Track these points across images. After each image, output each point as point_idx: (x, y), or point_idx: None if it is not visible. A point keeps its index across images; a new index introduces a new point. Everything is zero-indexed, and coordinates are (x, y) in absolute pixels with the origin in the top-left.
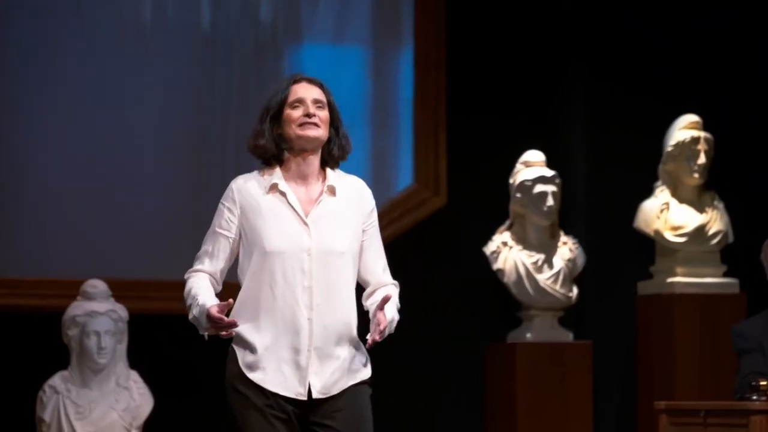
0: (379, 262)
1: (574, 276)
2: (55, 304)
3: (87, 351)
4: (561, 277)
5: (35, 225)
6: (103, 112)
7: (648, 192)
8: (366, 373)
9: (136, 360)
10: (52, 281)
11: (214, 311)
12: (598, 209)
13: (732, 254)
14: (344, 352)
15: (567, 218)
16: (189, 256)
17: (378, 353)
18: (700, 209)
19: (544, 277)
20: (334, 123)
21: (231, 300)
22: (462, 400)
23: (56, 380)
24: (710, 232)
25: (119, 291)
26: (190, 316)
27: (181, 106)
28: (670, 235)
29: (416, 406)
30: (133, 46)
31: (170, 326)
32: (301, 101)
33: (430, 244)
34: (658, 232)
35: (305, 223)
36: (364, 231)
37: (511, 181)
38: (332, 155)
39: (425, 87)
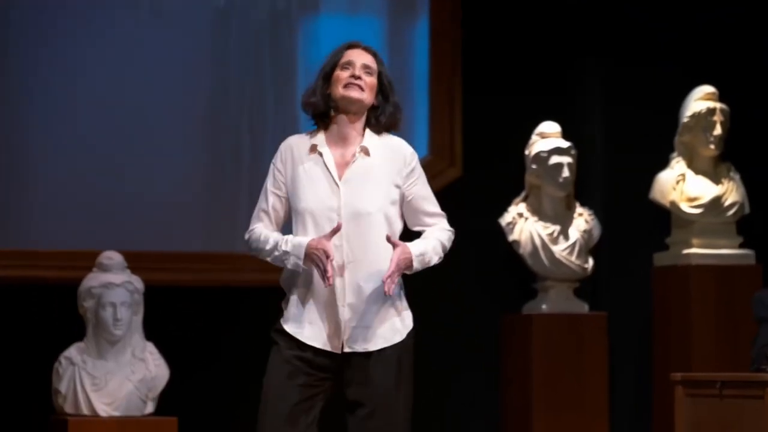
0: (426, 210)
1: (590, 247)
2: (71, 275)
3: (103, 322)
4: (577, 249)
5: (51, 197)
6: (119, 84)
7: (664, 163)
8: (403, 334)
9: (151, 331)
10: (68, 253)
11: (328, 246)
12: (613, 180)
13: (748, 225)
14: (381, 309)
15: (583, 189)
16: (204, 227)
17: None
18: (716, 180)
19: (559, 249)
20: (384, 91)
21: (339, 223)
22: (478, 371)
23: (72, 352)
24: (726, 204)
25: (135, 262)
26: (276, 253)
27: (197, 77)
28: (686, 207)
29: (432, 377)
30: (149, 17)
31: (186, 297)
32: (350, 64)
33: (446, 215)
34: (674, 204)
35: (337, 184)
36: (406, 186)
37: (526, 152)
38: (379, 121)
39: (440, 58)
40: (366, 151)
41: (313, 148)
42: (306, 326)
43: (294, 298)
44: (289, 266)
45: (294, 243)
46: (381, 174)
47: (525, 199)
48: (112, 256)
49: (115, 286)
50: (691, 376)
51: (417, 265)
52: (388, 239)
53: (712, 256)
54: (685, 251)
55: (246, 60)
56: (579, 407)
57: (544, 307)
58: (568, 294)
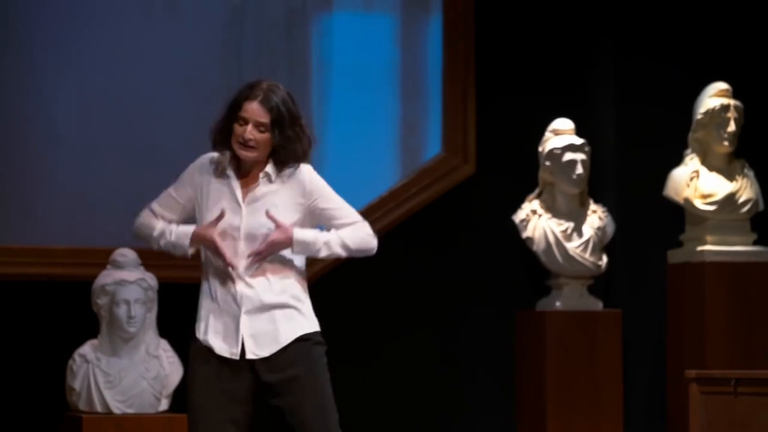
0: (340, 221)
1: (604, 244)
2: (85, 272)
3: (117, 320)
4: (590, 246)
5: (64, 194)
6: (132, 80)
7: (678, 160)
8: (304, 329)
9: (165, 328)
10: (82, 250)
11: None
12: (627, 177)
13: (762, 222)
14: (279, 317)
15: (596, 186)
16: None
17: (406, 321)
18: (730, 177)
19: (573, 246)
20: (282, 127)
21: (223, 211)
22: (491, 369)
23: (86, 349)
24: (740, 200)
25: (149, 259)
26: (162, 242)
27: (210, 74)
28: (699, 204)
29: (445, 374)
30: (162, 14)
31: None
32: (245, 120)
33: (459, 212)
34: (687, 201)
35: (240, 205)
36: (311, 203)
37: (540, 149)
38: (281, 160)
39: (454, 55)
40: (269, 178)
41: (222, 170)
42: (211, 336)
43: (202, 307)
44: (177, 255)
45: (178, 233)
46: (280, 197)
47: (539, 196)
48: (126, 253)
49: (128, 283)
50: (706, 373)
51: (297, 249)
52: (267, 215)
53: (726, 253)
54: (699, 248)
55: (260, 58)
56: (593, 404)
57: (557, 304)
58: (581, 291)
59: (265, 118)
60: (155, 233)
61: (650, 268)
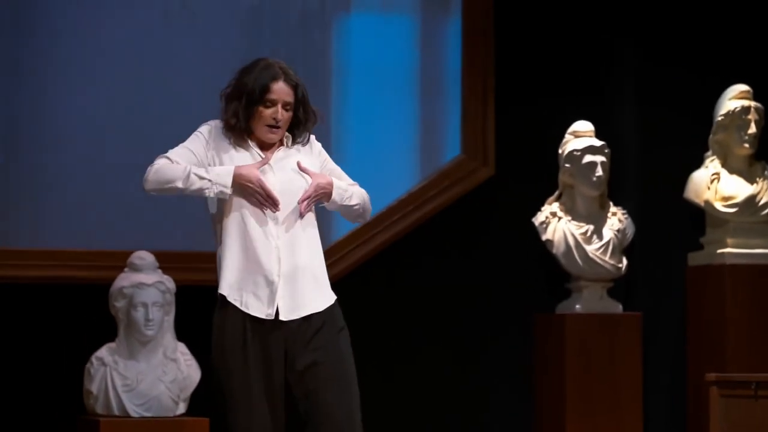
0: (337, 172)
1: (624, 247)
2: (103, 275)
3: (134, 323)
4: (610, 248)
5: (82, 197)
6: (147, 82)
7: (698, 162)
8: (328, 301)
9: (183, 332)
10: (100, 253)
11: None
12: (647, 179)
13: None
14: (310, 281)
15: (616, 189)
16: None
17: (425, 324)
18: (751, 180)
19: (593, 248)
20: (301, 107)
21: (267, 156)
22: (510, 372)
23: (104, 352)
24: (761, 203)
25: (166, 262)
26: (192, 181)
27: (227, 75)
28: (720, 206)
29: (464, 377)
30: (179, 15)
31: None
32: (274, 102)
33: (478, 214)
34: (708, 203)
35: (268, 165)
36: (322, 167)
37: (559, 151)
38: (298, 135)
39: (473, 57)
40: (287, 144)
41: (239, 142)
42: (245, 297)
43: (234, 269)
44: (211, 195)
45: (217, 171)
46: (301, 157)
47: (558, 199)
48: (144, 256)
49: (146, 286)
50: (726, 376)
51: (336, 197)
52: (299, 166)
53: (747, 256)
54: (720, 251)
55: (278, 59)
56: (613, 407)
57: (577, 307)
58: (601, 294)
59: (291, 97)
60: (182, 173)
61: (670, 271)
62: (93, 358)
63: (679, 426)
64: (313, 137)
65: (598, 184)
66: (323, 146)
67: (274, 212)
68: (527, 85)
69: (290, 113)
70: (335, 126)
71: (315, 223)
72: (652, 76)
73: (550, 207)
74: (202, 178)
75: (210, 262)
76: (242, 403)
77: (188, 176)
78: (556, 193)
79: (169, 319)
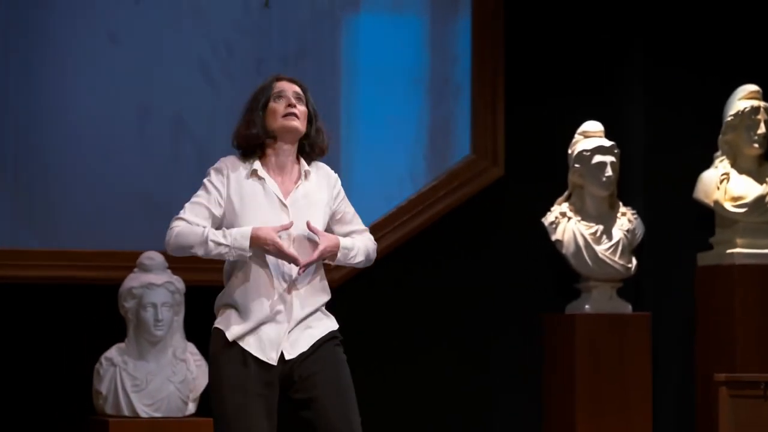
0: (354, 228)
1: (633, 247)
2: (112, 276)
3: (144, 323)
4: (620, 248)
5: (91, 197)
6: (157, 82)
7: (707, 162)
8: (330, 326)
9: (193, 332)
10: (109, 253)
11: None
12: (657, 180)
13: None
14: (315, 320)
15: (626, 189)
16: None
17: (433, 324)
18: (760, 180)
19: (602, 248)
20: (311, 120)
21: (291, 222)
22: (519, 372)
23: (113, 352)
24: None
25: (176, 263)
26: (211, 246)
27: (238, 75)
28: (729, 206)
29: (473, 378)
30: (188, 14)
31: None
32: (282, 95)
33: (488, 214)
34: (717, 203)
35: (285, 205)
36: (335, 206)
37: (569, 151)
38: (312, 149)
39: (483, 57)
40: (307, 175)
41: (254, 173)
42: (251, 341)
43: (240, 313)
44: (230, 259)
45: (235, 235)
46: (319, 197)
47: (568, 199)
48: (153, 257)
49: (156, 286)
50: (735, 377)
51: (340, 257)
52: (309, 226)
53: (757, 256)
54: (729, 251)
55: (287, 59)
56: (622, 407)
57: (587, 307)
58: (611, 294)
59: (299, 90)
60: (201, 240)
61: (680, 271)
62: (102, 359)
63: (688, 426)
64: (333, 172)
65: (607, 184)
66: (333, 147)
67: (299, 273)
68: (537, 85)
69: (305, 107)
70: (344, 126)
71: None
72: (661, 76)
73: (560, 207)
74: (219, 244)
75: (220, 262)
76: (241, 422)
77: (206, 243)
78: (566, 193)
79: (179, 320)
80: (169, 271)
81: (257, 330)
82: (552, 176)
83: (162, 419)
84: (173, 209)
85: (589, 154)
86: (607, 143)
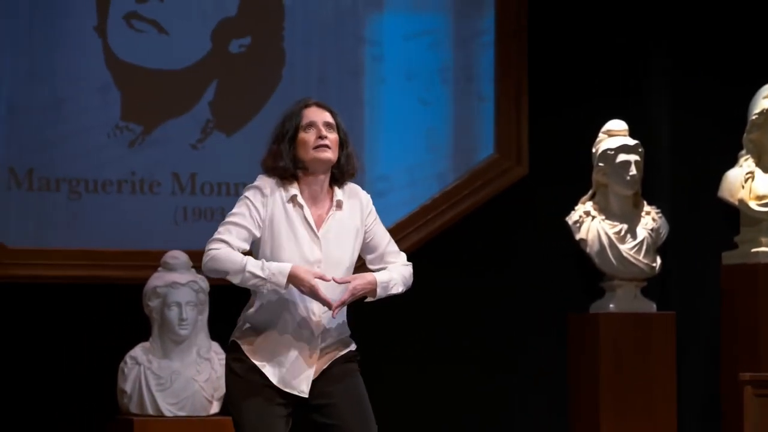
0: (388, 249)
1: (658, 246)
2: (137, 275)
3: (168, 322)
4: (644, 247)
5: (116, 196)
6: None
7: (732, 161)
8: (348, 348)
9: (217, 331)
10: (134, 252)
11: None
12: (681, 178)
13: None
14: (335, 347)
15: (650, 188)
16: None
17: (457, 323)
18: None
19: (627, 247)
20: (342, 143)
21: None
22: (544, 371)
23: (137, 351)
24: None
25: (200, 262)
26: (247, 276)
27: (257, 73)
28: (754, 205)
29: (498, 377)
30: (212, 13)
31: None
32: (313, 124)
33: (512, 213)
34: (742, 202)
35: (317, 237)
36: (367, 228)
37: (593, 150)
38: (343, 174)
39: (506, 56)
40: (339, 206)
41: (293, 199)
42: (276, 369)
43: (266, 337)
44: (263, 291)
45: (273, 270)
46: (350, 224)
47: (592, 198)
48: (178, 256)
49: (180, 285)
50: (760, 376)
51: (381, 292)
52: (336, 281)
53: None
54: (754, 249)
55: (310, 58)
56: (647, 407)
57: (611, 306)
58: (635, 293)
59: (329, 118)
60: (239, 268)
61: (705, 270)
62: (127, 358)
63: (713, 425)
64: (365, 193)
65: (631, 183)
66: (357, 146)
67: (333, 317)
68: (560, 84)
69: (336, 135)
70: (368, 126)
71: None
72: (686, 76)
73: (584, 206)
74: (256, 276)
75: None
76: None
77: (243, 272)
78: (590, 192)
79: (203, 319)
80: (193, 270)
81: (279, 355)
82: (576, 175)
83: (186, 418)
84: (197, 209)
85: (613, 152)
86: (632, 142)
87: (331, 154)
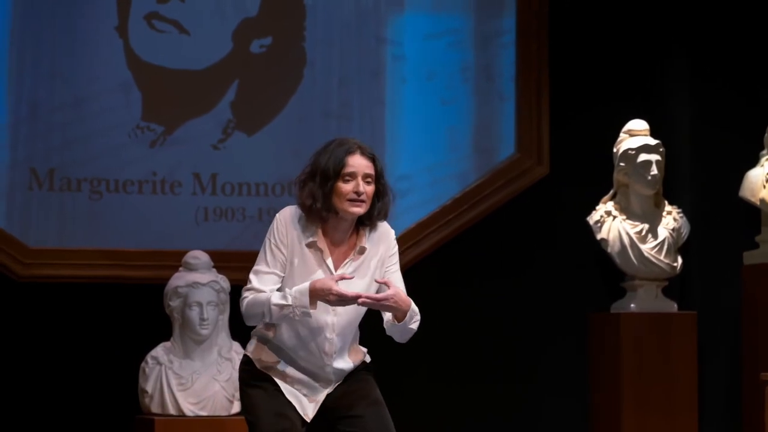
0: (393, 277)
1: (679, 245)
2: (158, 275)
3: (189, 322)
4: (665, 247)
5: (137, 197)
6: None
7: (753, 161)
8: (361, 359)
9: (238, 331)
10: (155, 252)
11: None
12: (702, 178)
13: None
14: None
15: (671, 187)
16: None
17: (477, 323)
18: None
19: (648, 247)
20: (377, 189)
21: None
22: (566, 371)
23: (159, 351)
24: None
25: (221, 262)
26: (275, 309)
27: (277, 73)
28: None
29: (519, 376)
30: (233, 13)
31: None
32: (352, 176)
33: (533, 213)
34: (763, 201)
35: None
36: (386, 268)
37: (614, 150)
38: (373, 220)
39: (527, 56)
40: (362, 251)
41: (312, 244)
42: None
43: (280, 373)
44: (296, 317)
45: (295, 296)
46: (371, 266)
47: (613, 197)
48: (199, 256)
49: (201, 285)
50: None
51: (407, 318)
52: (378, 281)
53: None
54: None
55: (331, 59)
56: (668, 406)
57: (632, 306)
58: (656, 293)
59: (371, 169)
60: (266, 308)
61: (726, 270)
62: (148, 357)
63: (735, 425)
64: (391, 230)
65: (653, 183)
66: (378, 145)
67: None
68: (582, 83)
69: (373, 186)
70: (389, 127)
71: None
72: (707, 76)
73: (605, 206)
74: (282, 306)
75: None
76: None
77: (270, 310)
78: (611, 191)
79: (224, 318)
80: (214, 270)
81: (294, 371)
82: (597, 175)
83: (207, 418)
84: (218, 209)
85: (634, 152)
86: (653, 141)
87: (363, 209)
